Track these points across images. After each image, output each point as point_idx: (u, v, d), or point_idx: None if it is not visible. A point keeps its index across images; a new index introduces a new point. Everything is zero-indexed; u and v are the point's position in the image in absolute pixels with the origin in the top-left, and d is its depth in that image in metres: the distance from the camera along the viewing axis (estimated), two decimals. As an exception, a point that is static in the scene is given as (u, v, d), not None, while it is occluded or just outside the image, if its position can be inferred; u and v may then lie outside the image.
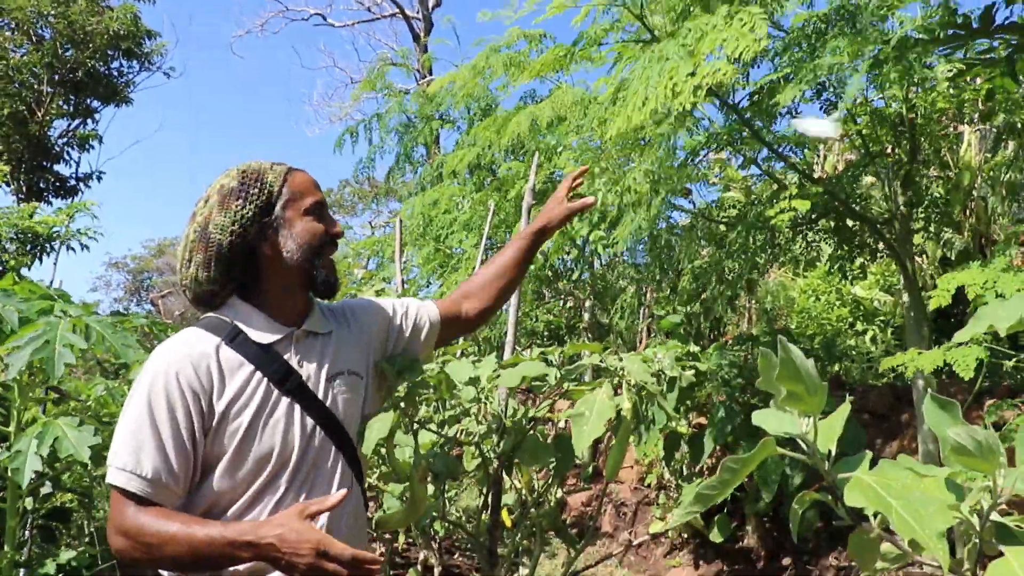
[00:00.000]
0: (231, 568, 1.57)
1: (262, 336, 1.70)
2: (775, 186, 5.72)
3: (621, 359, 2.44)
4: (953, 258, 6.74)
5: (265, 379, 1.66)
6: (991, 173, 6.55)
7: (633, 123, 3.91)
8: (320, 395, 1.72)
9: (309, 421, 1.69)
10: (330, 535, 1.56)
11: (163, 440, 1.55)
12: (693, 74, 3.70)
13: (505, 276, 2.15)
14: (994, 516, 1.04)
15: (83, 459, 2.55)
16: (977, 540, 1.04)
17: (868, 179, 6.09)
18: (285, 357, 1.71)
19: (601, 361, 2.46)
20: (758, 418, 1.11)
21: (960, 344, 3.16)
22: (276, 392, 1.67)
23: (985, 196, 6.77)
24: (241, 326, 1.70)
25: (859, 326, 7.86)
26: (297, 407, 1.68)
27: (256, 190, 1.71)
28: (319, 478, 1.69)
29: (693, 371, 3.10)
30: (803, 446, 1.06)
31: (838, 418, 1.09)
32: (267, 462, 1.63)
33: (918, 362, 3.19)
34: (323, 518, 1.65)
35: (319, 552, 1.46)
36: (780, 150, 5.44)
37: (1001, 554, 1.03)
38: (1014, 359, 3.52)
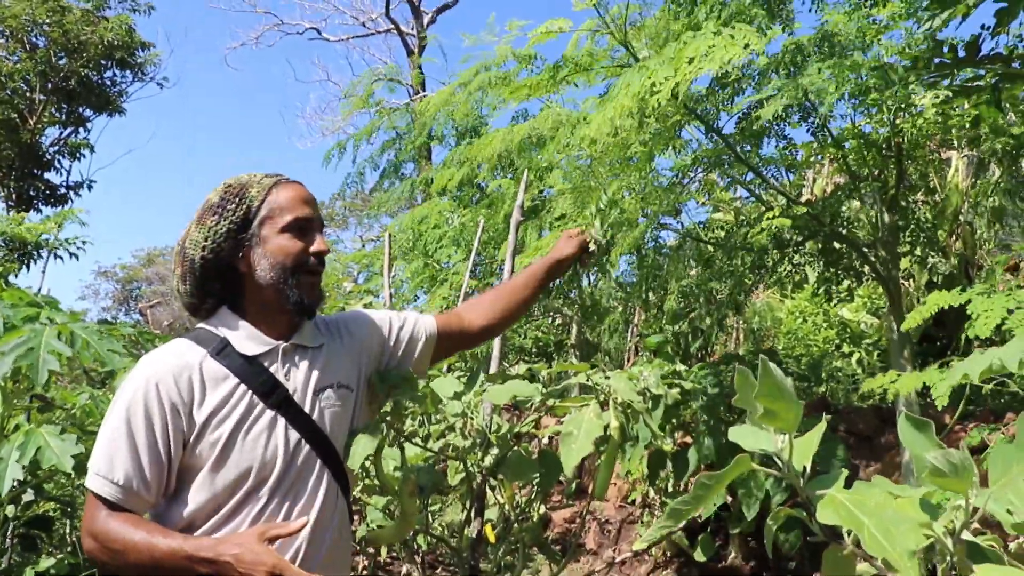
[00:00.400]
0: None
1: (248, 348, 1.70)
2: (762, 208, 5.76)
3: (608, 377, 2.46)
4: (939, 282, 6.79)
5: (250, 392, 1.66)
6: (977, 198, 6.61)
7: (614, 124, 3.94)
8: (307, 408, 1.71)
9: (293, 434, 1.68)
10: (312, 546, 1.66)
11: (138, 449, 1.57)
12: (674, 74, 3.73)
13: (513, 298, 2.17)
14: (966, 535, 1.06)
15: (66, 469, 2.55)
16: (950, 559, 1.06)
17: (855, 203, 6.14)
18: (272, 370, 1.70)
19: (588, 379, 2.48)
20: (734, 434, 1.13)
21: (941, 365, 3.19)
22: (261, 405, 1.66)
23: (971, 221, 6.83)
24: (229, 338, 1.70)
25: (845, 348, 7.90)
26: (281, 420, 1.67)
27: (233, 206, 1.70)
28: (302, 492, 1.68)
29: (678, 390, 3.11)
30: (778, 463, 1.08)
31: (814, 436, 1.11)
32: (247, 474, 1.63)
33: (898, 385, 3.21)
34: (305, 531, 1.65)
35: (273, 575, 1.47)
36: (766, 172, 5.48)
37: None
38: (991, 384, 3.55)
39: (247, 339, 1.71)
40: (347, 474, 1.80)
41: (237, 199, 1.70)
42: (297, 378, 1.72)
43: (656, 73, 3.80)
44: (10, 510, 3.17)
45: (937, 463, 0.98)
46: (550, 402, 2.52)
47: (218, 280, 1.73)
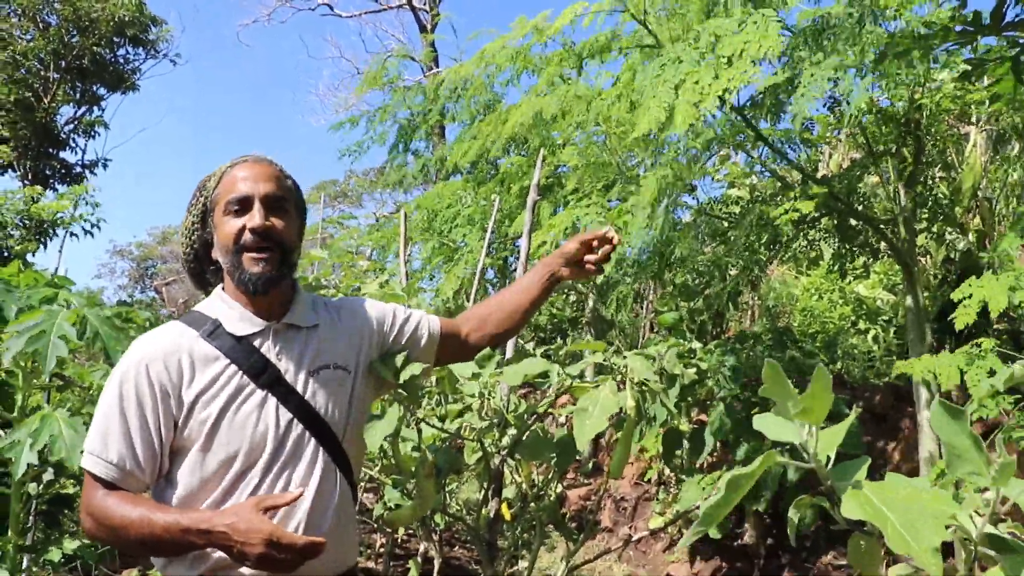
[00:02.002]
0: (232, 567, 1.59)
1: (239, 329, 1.71)
2: (778, 184, 5.72)
3: (625, 357, 2.45)
4: (956, 259, 6.73)
5: (240, 372, 1.66)
6: (996, 174, 6.54)
7: (671, 131, 3.87)
8: (299, 388, 1.70)
9: (285, 414, 1.67)
10: (311, 527, 1.66)
11: (130, 429, 1.60)
12: (717, 77, 3.67)
13: (508, 312, 2.07)
14: (988, 527, 1.06)
15: (74, 465, 2.56)
16: (973, 550, 1.06)
17: (873, 179, 6.09)
18: (263, 350, 1.70)
19: (604, 359, 2.48)
20: (759, 423, 1.12)
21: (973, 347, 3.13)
22: (251, 385, 1.66)
23: (990, 197, 6.76)
24: (221, 319, 1.71)
25: (862, 325, 7.86)
26: (272, 399, 1.67)
27: (195, 200, 1.75)
28: (296, 472, 1.67)
29: (695, 369, 3.10)
30: (803, 454, 1.07)
31: (841, 428, 1.10)
32: (237, 454, 1.63)
33: (935, 370, 3.14)
34: (302, 511, 1.65)
35: (270, 543, 1.49)
36: (784, 148, 5.43)
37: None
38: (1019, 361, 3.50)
39: (239, 320, 1.72)
40: (347, 454, 1.78)
41: (199, 192, 1.75)
42: (290, 358, 1.72)
43: (699, 75, 3.72)
44: (32, 488, 3.20)
45: (965, 452, 0.97)
46: (567, 383, 2.52)
47: (207, 270, 1.80)
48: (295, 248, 1.78)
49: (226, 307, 1.74)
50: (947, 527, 1.02)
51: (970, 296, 3.32)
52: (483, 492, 2.98)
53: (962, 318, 3.32)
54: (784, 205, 4.38)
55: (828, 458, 1.07)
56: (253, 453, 1.64)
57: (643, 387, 2.47)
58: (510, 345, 3.23)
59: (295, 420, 1.68)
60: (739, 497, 1.00)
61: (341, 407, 1.77)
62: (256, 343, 1.71)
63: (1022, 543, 1.07)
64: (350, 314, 1.89)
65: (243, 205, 1.69)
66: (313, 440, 1.70)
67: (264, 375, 1.68)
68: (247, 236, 1.68)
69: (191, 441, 1.63)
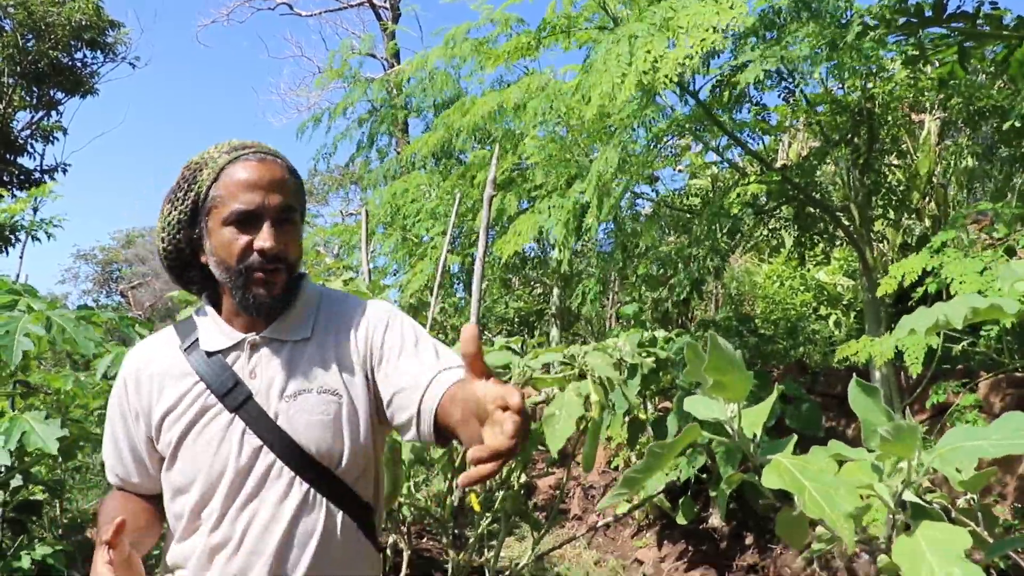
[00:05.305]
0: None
1: (211, 342, 1.53)
2: (738, 174, 5.82)
3: (585, 353, 2.51)
4: (913, 244, 6.87)
5: (208, 391, 1.49)
6: (950, 160, 6.68)
7: (620, 99, 3.89)
8: (271, 412, 1.47)
9: (253, 440, 1.46)
10: (282, 571, 1.45)
11: (117, 441, 1.58)
12: (674, 47, 3.72)
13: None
14: (909, 496, 1.12)
15: (51, 451, 2.59)
16: (893, 517, 1.12)
17: (830, 167, 6.21)
18: (236, 367, 1.51)
19: (566, 357, 2.54)
20: (689, 404, 1.18)
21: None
22: (218, 405, 1.48)
23: (945, 183, 6.90)
24: (199, 331, 1.55)
25: (823, 310, 7.99)
26: (240, 424, 1.47)
27: (182, 193, 1.51)
28: (264, 505, 1.45)
29: (653, 358, 3.18)
30: (729, 431, 1.13)
31: (765, 405, 1.16)
32: (192, 482, 1.47)
33: (871, 350, 3.28)
34: (266, 553, 1.44)
35: None
36: (741, 136, 5.52)
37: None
38: (963, 343, 3.62)
39: (215, 332, 1.54)
40: (348, 487, 1.52)
41: (188, 184, 1.50)
42: (265, 377, 1.50)
43: (653, 44, 3.76)
44: (-2, 495, 3.21)
45: (885, 433, 1.04)
46: (528, 374, 2.57)
47: (190, 269, 1.57)
48: (300, 259, 1.58)
49: (205, 316, 1.57)
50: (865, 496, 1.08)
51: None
52: (447, 483, 3.03)
53: (883, 287, 3.56)
54: (738, 190, 4.47)
55: (755, 435, 1.14)
56: (209, 481, 1.46)
57: (605, 380, 2.53)
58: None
59: (264, 448, 1.46)
60: (662, 465, 1.05)
61: (328, 436, 1.49)
62: (230, 359, 1.51)
63: (938, 511, 1.14)
64: (359, 323, 1.57)
65: (250, 219, 1.46)
66: (288, 472, 1.46)
67: (231, 395, 1.48)
68: (255, 257, 1.46)
69: (163, 463, 1.52)
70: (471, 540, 3.60)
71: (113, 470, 1.59)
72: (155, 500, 1.58)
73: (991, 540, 1.27)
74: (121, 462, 1.57)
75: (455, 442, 1.39)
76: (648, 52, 3.68)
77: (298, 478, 1.47)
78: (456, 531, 2.99)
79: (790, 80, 5.31)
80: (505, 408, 0.99)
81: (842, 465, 1.13)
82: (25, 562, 3.41)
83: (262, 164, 1.49)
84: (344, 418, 1.50)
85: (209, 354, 1.52)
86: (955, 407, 3.77)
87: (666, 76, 3.67)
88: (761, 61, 3.94)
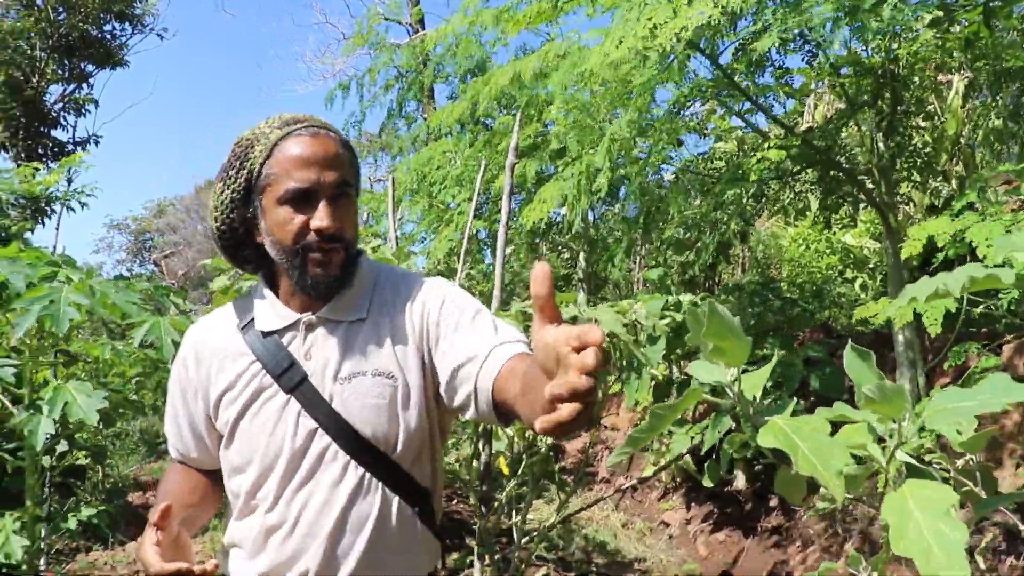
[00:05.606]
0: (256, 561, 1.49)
1: (267, 323, 1.51)
2: (761, 139, 5.81)
3: (595, 308, 2.57)
4: (940, 206, 6.83)
5: (264, 371, 1.48)
6: (978, 120, 6.61)
7: (610, 59, 3.98)
8: (326, 394, 1.46)
9: (308, 422, 1.45)
10: (333, 555, 1.44)
11: (178, 419, 1.60)
12: (675, 15, 3.76)
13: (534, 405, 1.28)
14: (901, 455, 1.19)
15: (91, 422, 2.69)
16: (886, 476, 1.19)
17: (856, 130, 6.18)
18: (292, 347, 1.49)
19: (578, 311, 2.60)
20: (692, 368, 1.25)
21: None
22: (274, 386, 1.47)
23: (972, 144, 6.84)
24: (256, 310, 1.54)
25: (848, 274, 7.99)
26: (295, 405, 1.46)
27: (234, 171, 1.47)
28: (319, 487, 1.44)
29: (669, 320, 3.23)
30: (730, 394, 1.20)
31: (764, 370, 1.23)
32: (248, 463, 1.48)
33: (889, 312, 3.31)
34: (321, 536, 1.43)
35: None
36: (764, 101, 5.51)
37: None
38: (981, 306, 3.64)
39: (270, 312, 1.52)
40: (405, 473, 1.50)
41: (240, 162, 1.46)
42: (321, 358, 1.48)
43: (656, 12, 3.83)
44: (46, 460, 3.34)
45: (869, 392, 1.10)
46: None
47: (244, 248, 1.54)
48: (358, 236, 1.54)
49: (261, 295, 1.55)
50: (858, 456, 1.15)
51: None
52: (474, 446, 3.11)
53: (907, 249, 3.56)
54: (759, 154, 4.48)
55: (755, 398, 1.20)
56: (265, 462, 1.46)
57: (613, 338, 2.59)
58: (495, 300, 3.33)
59: (319, 430, 1.45)
60: (663, 426, 1.12)
61: (383, 420, 1.46)
62: (285, 339, 1.49)
63: (931, 471, 1.20)
64: (418, 304, 1.52)
65: (305, 197, 1.42)
66: (343, 455, 1.45)
67: (287, 376, 1.46)
68: (312, 237, 1.43)
69: (223, 439, 1.53)
70: (499, 503, 3.70)
71: (174, 445, 1.62)
72: (215, 475, 1.60)
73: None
74: (181, 438, 1.59)
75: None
76: (650, 19, 3.75)
77: (353, 461, 1.45)
78: (482, 491, 3.08)
79: (813, 43, 5.28)
80: (582, 348, 0.84)
81: (844, 426, 1.20)
82: (72, 523, 3.57)
83: (315, 139, 1.44)
84: (399, 401, 1.47)
85: (265, 334, 1.50)
86: (973, 369, 3.79)
87: (660, 44, 3.74)
88: (779, 26, 3.94)
